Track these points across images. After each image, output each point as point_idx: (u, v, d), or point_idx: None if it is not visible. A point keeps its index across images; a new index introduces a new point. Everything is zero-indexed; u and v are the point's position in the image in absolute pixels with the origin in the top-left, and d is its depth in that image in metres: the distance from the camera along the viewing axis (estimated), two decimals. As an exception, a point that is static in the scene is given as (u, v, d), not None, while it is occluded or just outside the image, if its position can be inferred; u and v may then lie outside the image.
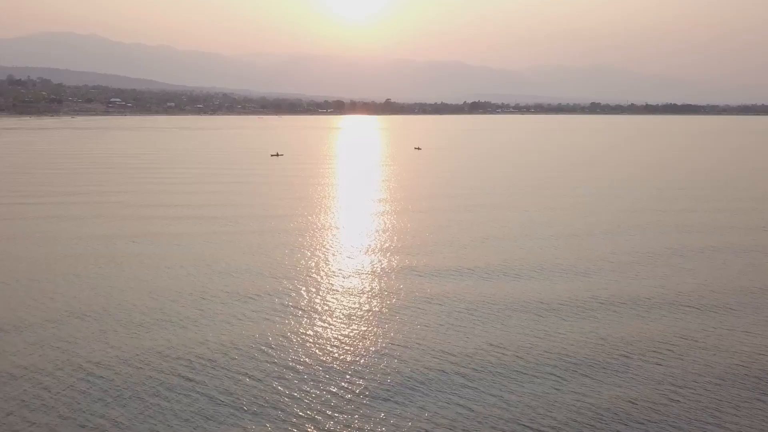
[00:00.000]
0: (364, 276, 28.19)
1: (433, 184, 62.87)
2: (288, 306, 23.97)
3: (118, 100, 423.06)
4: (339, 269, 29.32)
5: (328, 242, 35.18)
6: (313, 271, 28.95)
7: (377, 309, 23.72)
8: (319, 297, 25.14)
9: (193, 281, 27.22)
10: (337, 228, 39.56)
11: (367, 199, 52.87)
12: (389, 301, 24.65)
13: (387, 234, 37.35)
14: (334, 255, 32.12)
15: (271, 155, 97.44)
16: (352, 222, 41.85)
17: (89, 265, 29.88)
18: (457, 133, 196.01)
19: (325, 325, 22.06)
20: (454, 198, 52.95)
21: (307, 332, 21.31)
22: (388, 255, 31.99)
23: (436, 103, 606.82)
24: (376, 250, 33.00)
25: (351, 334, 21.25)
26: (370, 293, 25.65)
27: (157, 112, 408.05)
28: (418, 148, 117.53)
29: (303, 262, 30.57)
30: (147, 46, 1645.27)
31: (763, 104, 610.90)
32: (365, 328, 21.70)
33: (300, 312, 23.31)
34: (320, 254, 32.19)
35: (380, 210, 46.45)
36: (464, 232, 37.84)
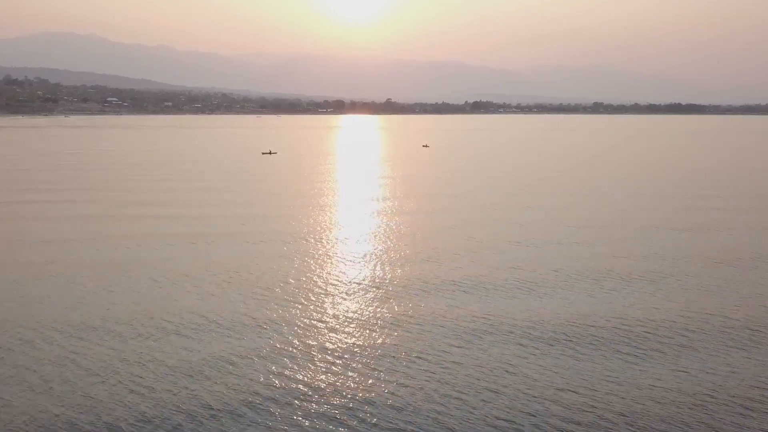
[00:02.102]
0: (368, 293, 23.82)
1: (448, 183, 58.57)
2: (283, 329, 19.63)
3: (114, 99, 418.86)
4: (339, 282, 24.95)
5: (326, 250, 30.76)
6: (308, 283, 24.59)
7: (382, 338, 19.37)
8: (317, 321, 20.77)
9: (170, 295, 22.92)
10: (337, 232, 35.14)
11: (378, 198, 48.42)
12: (394, 322, 20.31)
13: (396, 239, 32.98)
14: (332, 265, 27.73)
15: (263, 153, 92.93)
16: (356, 225, 37.46)
17: (58, 270, 25.73)
18: (462, 133, 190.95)
19: (326, 362, 17.68)
20: (473, 197, 48.64)
21: (310, 371, 16.99)
22: (396, 265, 27.63)
23: (437, 103, 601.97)
24: (384, 260, 28.61)
25: (360, 370, 16.96)
26: (374, 316, 21.30)
27: (154, 112, 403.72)
28: (426, 146, 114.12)
29: (296, 270, 26.22)
30: (146, 47, 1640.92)
31: (767, 104, 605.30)
32: (375, 366, 17.36)
33: (302, 340, 18.95)
34: (315, 263, 27.82)
35: (391, 211, 42.06)
36: (482, 236, 33.48)
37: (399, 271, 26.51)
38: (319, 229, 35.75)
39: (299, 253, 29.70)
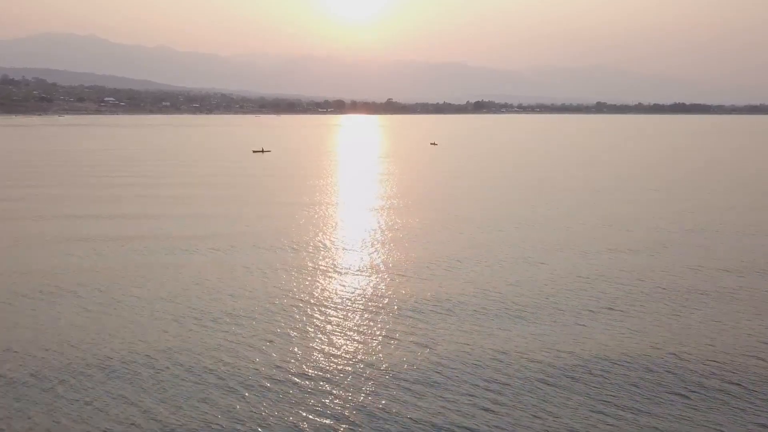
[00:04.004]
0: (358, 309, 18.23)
1: (463, 183, 53.08)
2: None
3: (111, 99, 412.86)
4: (322, 297, 19.36)
5: (299, 260, 25.18)
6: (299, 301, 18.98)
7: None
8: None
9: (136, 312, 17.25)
10: (321, 240, 29.50)
11: (385, 199, 42.85)
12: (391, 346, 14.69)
13: (401, 247, 27.37)
14: (307, 277, 22.16)
15: (254, 151, 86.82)
16: (350, 232, 31.83)
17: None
18: (467, 132, 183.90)
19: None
20: (493, 197, 43.02)
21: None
22: (396, 280, 22.05)
23: (438, 103, 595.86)
24: (382, 274, 22.99)
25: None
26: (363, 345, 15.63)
27: (151, 111, 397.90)
28: (434, 144, 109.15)
29: (284, 284, 20.62)
30: (146, 48, 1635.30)
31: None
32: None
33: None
34: (287, 274, 22.24)
35: (399, 214, 36.48)
36: (496, 242, 27.89)
37: (398, 286, 20.95)
38: (300, 235, 30.14)
39: (271, 262, 24.14)
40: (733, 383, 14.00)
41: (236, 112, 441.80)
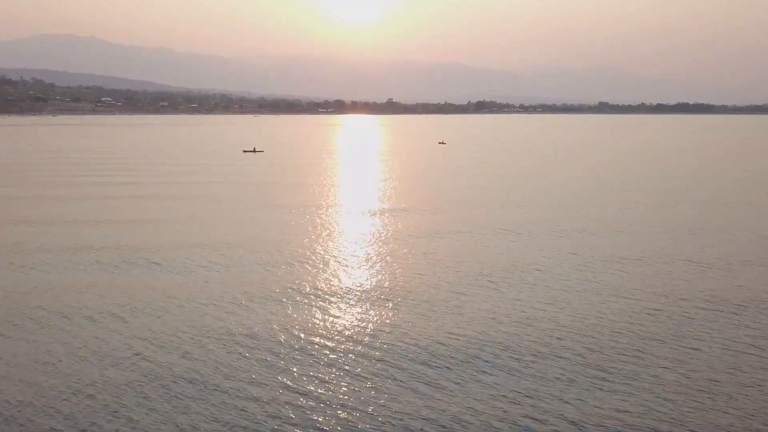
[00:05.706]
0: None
1: (477, 186, 48.14)
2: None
3: (108, 99, 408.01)
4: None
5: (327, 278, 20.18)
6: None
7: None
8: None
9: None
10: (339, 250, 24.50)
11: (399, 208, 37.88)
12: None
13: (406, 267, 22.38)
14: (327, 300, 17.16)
15: (245, 151, 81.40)
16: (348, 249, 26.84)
17: None
18: (471, 132, 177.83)
19: None
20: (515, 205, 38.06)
21: None
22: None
23: (440, 103, 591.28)
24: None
25: None
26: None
27: (149, 112, 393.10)
28: (443, 143, 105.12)
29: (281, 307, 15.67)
30: (146, 48, 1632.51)
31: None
32: None
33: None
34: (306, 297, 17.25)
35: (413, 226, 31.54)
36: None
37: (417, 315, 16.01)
38: (300, 242, 25.18)
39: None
40: None
41: (235, 112, 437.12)
